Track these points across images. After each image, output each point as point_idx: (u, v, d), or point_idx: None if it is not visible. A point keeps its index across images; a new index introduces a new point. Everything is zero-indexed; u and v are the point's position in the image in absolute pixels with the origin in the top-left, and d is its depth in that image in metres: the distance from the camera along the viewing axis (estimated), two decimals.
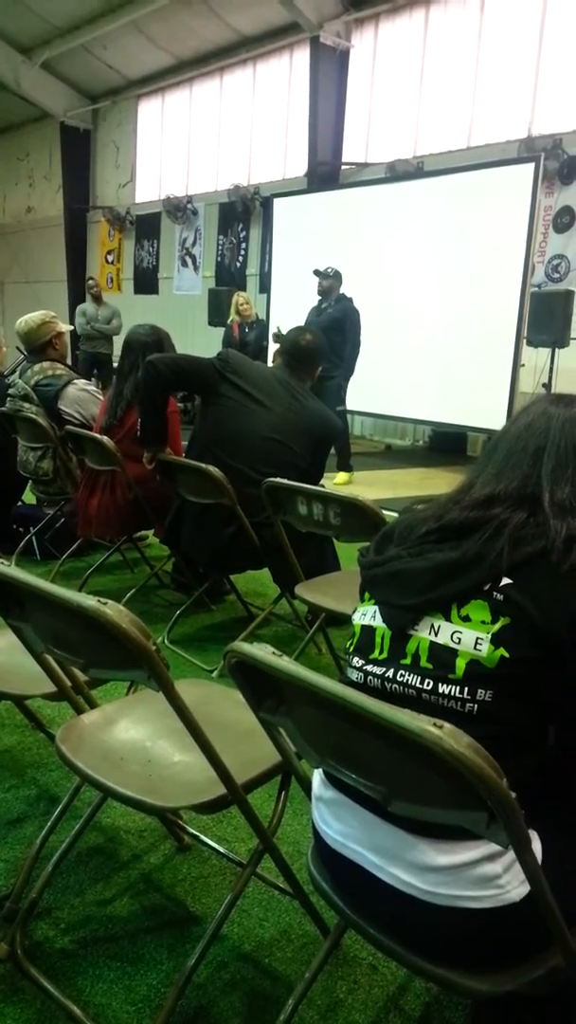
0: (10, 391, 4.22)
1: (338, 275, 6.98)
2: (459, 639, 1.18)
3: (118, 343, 10.11)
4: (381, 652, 1.25)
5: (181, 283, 13.01)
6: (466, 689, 1.16)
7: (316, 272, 7.03)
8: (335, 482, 6.90)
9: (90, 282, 10.88)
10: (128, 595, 3.56)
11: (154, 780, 1.50)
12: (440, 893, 1.16)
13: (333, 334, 6.76)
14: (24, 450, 4.25)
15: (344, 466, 7.14)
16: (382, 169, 9.61)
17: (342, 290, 7.01)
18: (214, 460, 3.09)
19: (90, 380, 9.19)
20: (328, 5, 9.90)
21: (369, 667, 1.26)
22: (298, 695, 1.19)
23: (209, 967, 1.68)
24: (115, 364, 10.78)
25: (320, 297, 7.06)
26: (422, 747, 0.95)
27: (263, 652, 1.16)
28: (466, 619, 1.18)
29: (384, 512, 2.52)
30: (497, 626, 1.16)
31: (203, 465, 3.03)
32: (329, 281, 6.96)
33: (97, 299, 10.45)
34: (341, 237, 8.84)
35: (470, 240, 7.65)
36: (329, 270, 6.99)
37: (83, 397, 4.22)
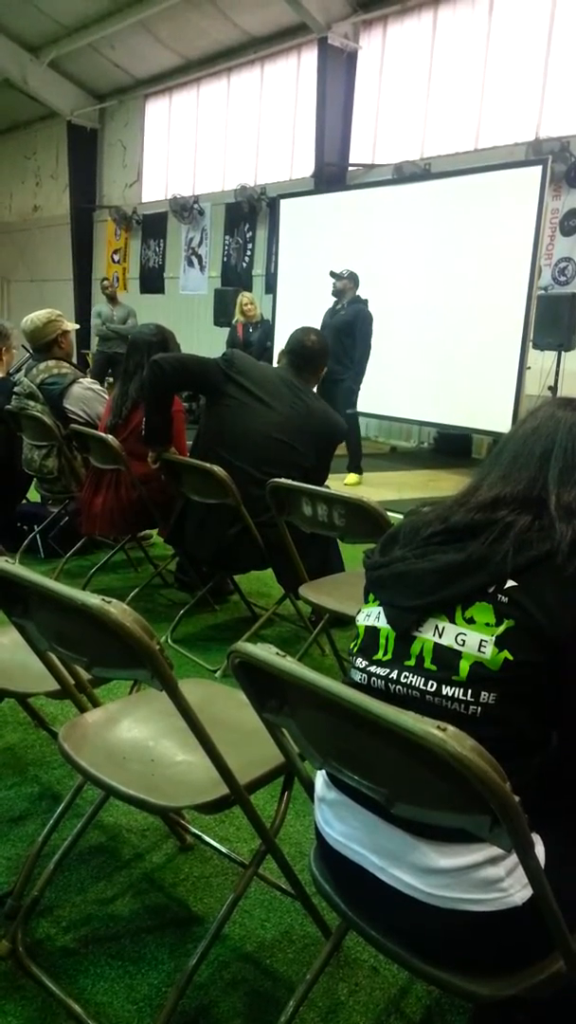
0: (15, 389, 4.23)
1: (353, 277, 6.99)
2: (463, 641, 1.17)
3: None
4: (385, 653, 1.25)
5: (187, 283, 13.01)
6: (470, 691, 1.16)
7: (332, 273, 7.04)
8: (346, 483, 6.90)
9: (104, 283, 10.87)
10: (132, 594, 3.56)
11: (156, 779, 1.50)
12: (442, 896, 1.16)
13: (344, 337, 6.77)
14: (29, 448, 4.26)
15: (354, 467, 7.14)
16: (389, 171, 9.60)
17: (358, 293, 7.01)
18: (218, 460, 3.09)
19: (104, 380, 9.22)
20: (336, 6, 9.90)
21: (373, 668, 1.26)
22: (301, 696, 1.19)
23: (210, 967, 1.68)
24: None
25: (335, 298, 7.06)
26: (425, 749, 0.95)
27: (267, 652, 1.16)
28: (470, 621, 1.18)
29: (389, 513, 2.52)
30: (501, 628, 1.16)
31: (207, 465, 3.02)
32: (343, 282, 6.97)
33: (112, 299, 10.43)
34: (347, 238, 8.83)
35: (477, 242, 7.64)
36: (344, 272, 7.00)
37: (88, 396, 4.22)
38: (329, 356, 3.57)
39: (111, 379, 9.50)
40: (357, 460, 7.18)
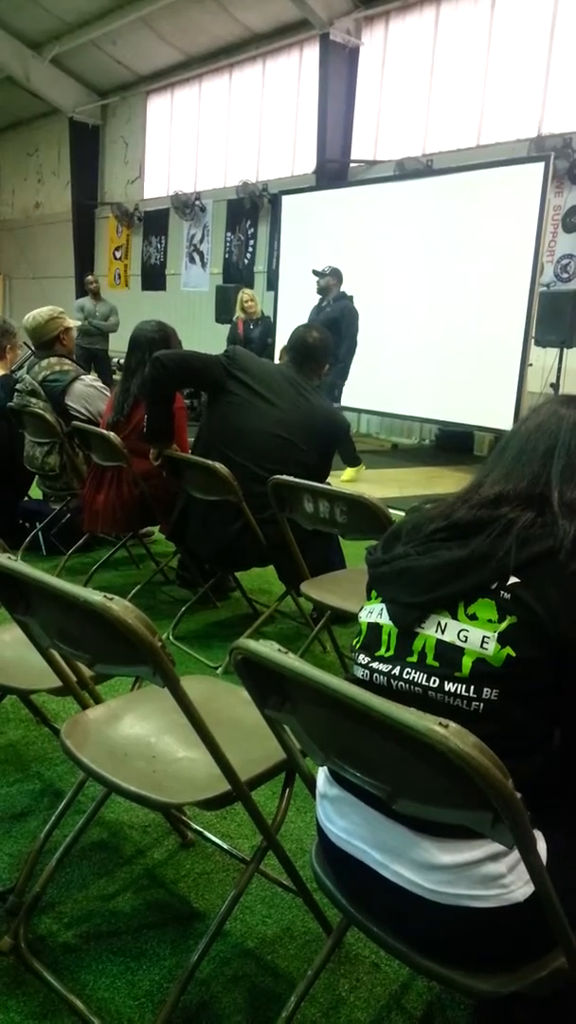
0: (17, 386, 4.23)
1: (336, 273, 6.97)
2: (466, 637, 1.18)
3: (114, 339, 10.16)
4: (388, 650, 1.25)
5: (189, 280, 13.01)
6: (472, 687, 1.16)
7: (314, 272, 7.03)
8: (342, 479, 6.88)
9: (88, 278, 10.92)
10: (133, 591, 3.56)
11: (158, 776, 1.50)
12: (444, 892, 1.16)
13: (331, 333, 6.74)
14: (31, 445, 4.26)
15: (350, 461, 7.12)
16: (391, 167, 9.59)
17: (343, 288, 6.99)
18: (220, 457, 3.09)
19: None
20: (339, 2, 9.88)
21: (375, 664, 1.26)
22: (303, 692, 1.19)
23: (211, 963, 1.68)
24: (112, 360, 10.72)
25: (320, 295, 7.05)
26: (427, 746, 0.95)
27: (268, 649, 1.16)
28: (473, 617, 1.18)
29: (390, 510, 2.52)
30: (504, 625, 1.16)
31: (209, 462, 3.02)
32: (326, 280, 6.95)
33: (95, 295, 10.48)
34: (349, 235, 8.83)
35: (479, 239, 7.63)
36: (326, 268, 6.99)
37: (90, 393, 4.22)
38: (331, 353, 3.57)
39: (93, 374, 9.51)
40: (351, 454, 7.15)
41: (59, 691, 1.85)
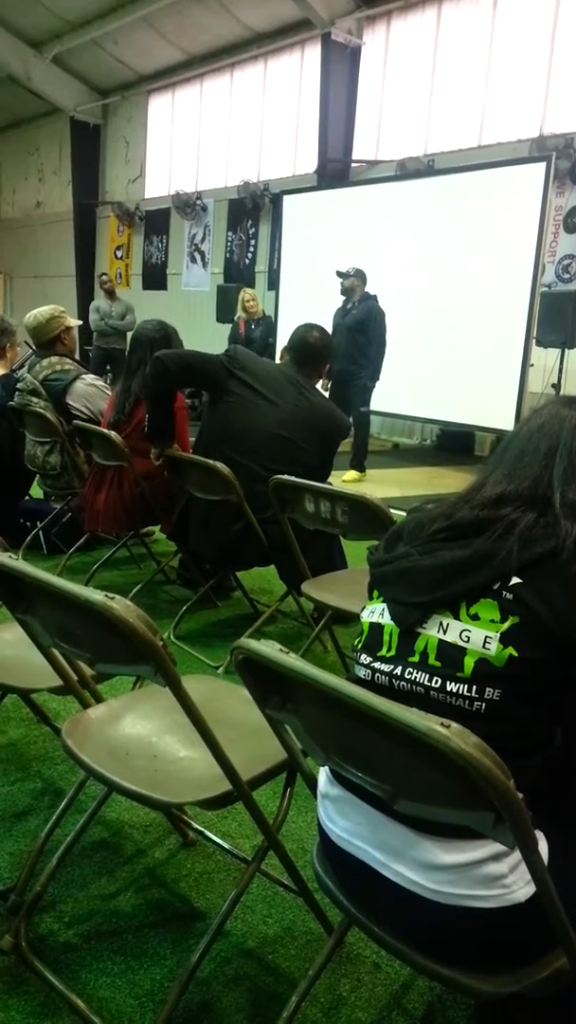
0: (18, 385, 4.23)
1: (360, 274, 6.94)
2: (468, 637, 1.17)
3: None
4: (389, 650, 1.25)
5: (190, 279, 13.00)
6: (474, 687, 1.16)
7: (338, 273, 6.99)
8: (344, 479, 6.88)
9: (103, 278, 10.88)
10: (134, 590, 3.57)
11: (159, 775, 1.50)
12: (445, 892, 1.16)
13: (358, 335, 6.72)
14: (32, 444, 4.26)
15: (357, 465, 7.12)
16: (392, 167, 9.59)
17: (366, 289, 6.97)
18: (221, 456, 3.09)
19: (103, 376, 9.26)
20: (340, 2, 9.88)
21: (377, 664, 1.26)
22: (304, 692, 1.19)
23: (212, 963, 1.68)
24: None
25: (344, 297, 7.02)
26: (429, 746, 0.95)
27: (270, 649, 1.16)
28: (475, 618, 1.18)
29: (391, 511, 2.52)
30: (506, 625, 1.16)
31: (210, 461, 3.02)
32: (350, 281, 6.91)
33: (110, 295, 10.45)
34: (351, 235, 8.83)
35: (480, 239, 7.63)
36: (350, 270, 6.94)
37: (91, 392, 4.22)
38: (333, 352, 3.57)
39: (109, 375, 9.50)
40: (361, 458, 7.16)
41: (60, 690, 1.85)
